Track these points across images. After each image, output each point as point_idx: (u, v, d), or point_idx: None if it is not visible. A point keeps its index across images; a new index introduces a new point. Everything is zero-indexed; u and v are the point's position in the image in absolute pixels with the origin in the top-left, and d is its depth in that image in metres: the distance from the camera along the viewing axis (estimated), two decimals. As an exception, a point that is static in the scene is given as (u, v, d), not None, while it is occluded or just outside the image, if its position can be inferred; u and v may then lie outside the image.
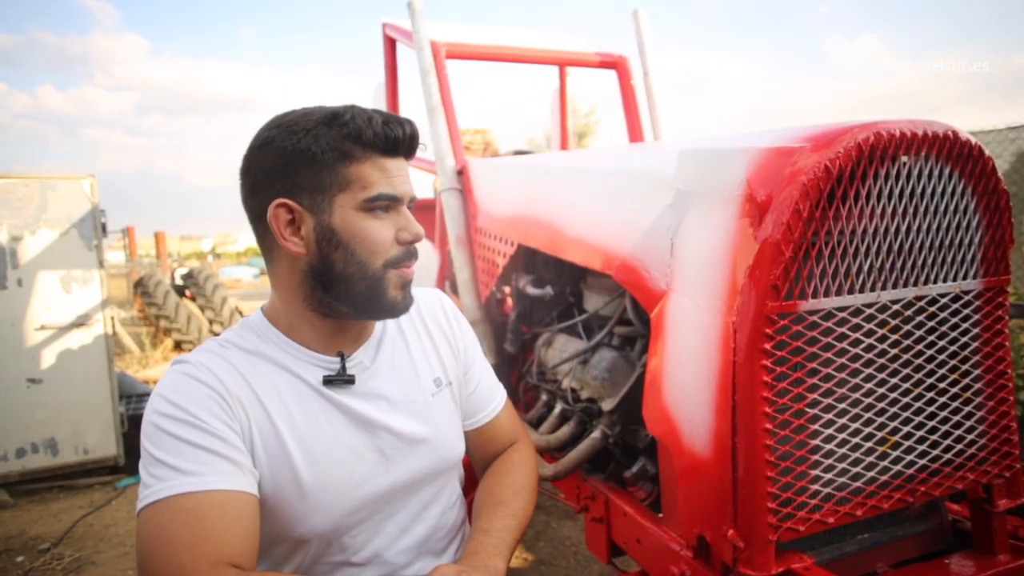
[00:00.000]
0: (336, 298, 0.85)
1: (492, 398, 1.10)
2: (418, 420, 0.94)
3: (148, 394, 4.32)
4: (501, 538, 0.91)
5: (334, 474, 0.85)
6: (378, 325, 0.97)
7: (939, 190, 1.06)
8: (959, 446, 1.13)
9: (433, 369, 0.99)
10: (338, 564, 0.89)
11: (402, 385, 0.94)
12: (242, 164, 0.87)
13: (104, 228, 3.87)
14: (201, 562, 0.70)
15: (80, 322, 3.78)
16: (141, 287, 8.42)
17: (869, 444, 1.07)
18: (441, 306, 1.06)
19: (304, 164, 0.81)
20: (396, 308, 0.88)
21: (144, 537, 0.74)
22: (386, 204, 0.84)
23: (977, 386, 1.15)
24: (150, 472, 0.77)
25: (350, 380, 0.89)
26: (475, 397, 1.07)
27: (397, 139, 0.83)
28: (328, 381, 0.88)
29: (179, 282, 9.87)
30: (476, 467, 1.13)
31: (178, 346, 8.00)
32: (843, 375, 1.04)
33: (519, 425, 1.16)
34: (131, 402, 4.12)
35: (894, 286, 1.05)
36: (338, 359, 0.89)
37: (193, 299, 9.24)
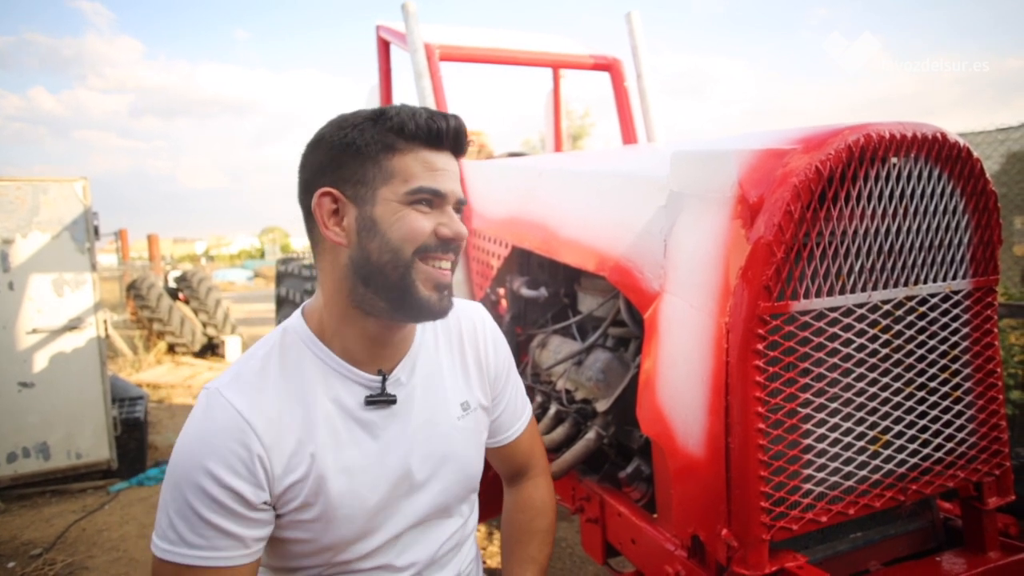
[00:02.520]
0: (375, 292, 0.84)
1: (517, 419, 1.11)
2: (443, 442, 0.95)
3: (141, 397, 4.29)
4: None
5: (361, 490, 0.87)
6: (416, 337, 0.96)
7: (928, 191, 1.07)
8: (950, 445, 1.14)
9: (461, 392, 0.99)
10: (349, 571, 0.90)
11: (432, 407, 0.95)
12: (299, 164, 0.88)
13: (96, 231, 3.85)
14: None
15: (72, 325, 3.76)
16: (134, 290, 8.38)
17: (861, 443, 1.08)
18: (482, 325, 1.05)
19: (349, 157, 0.82)
20: (430, 309, 0.85)
21: None
22: (428, 198, 0.83)
23: (967, 385, 1.16)
24: (164, 526, 0.80)
25: (392, 400, 0.89)
26: (500, 420, 1.09)
27: (440, 131, 0.82)
28: (371, 401, 0.88)
29: (172, 285, 9.83)
30: (497, 470, 1.18)
31: (171, 349, 7.96)
32: (835, 375, 1.05)
33: (538, 444, 1.17)
34: (124, 405, 4.09)
35: (885, 286, 1.06)
36: (378, 377, 0.89)
37: (186, 302, 9.20)
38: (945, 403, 1.14)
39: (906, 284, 1.08)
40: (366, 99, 3.65)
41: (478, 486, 1.04)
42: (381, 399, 0.88)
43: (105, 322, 3.89)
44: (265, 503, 0.81)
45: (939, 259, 1.11)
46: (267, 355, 0.88)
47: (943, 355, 1.13)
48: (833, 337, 1.04)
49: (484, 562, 2.72)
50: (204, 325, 8.58)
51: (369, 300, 0.85)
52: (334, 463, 0.85)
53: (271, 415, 0.82)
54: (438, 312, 0.86)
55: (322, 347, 0.88)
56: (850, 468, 1.07)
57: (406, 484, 0.91)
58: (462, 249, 0.88)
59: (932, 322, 1.11)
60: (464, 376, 1.00)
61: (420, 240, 0.82)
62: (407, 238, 0.82)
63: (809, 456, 1.04)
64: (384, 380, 0.89)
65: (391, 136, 0.82)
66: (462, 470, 0.97)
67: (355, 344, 0.88)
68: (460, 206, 0.87)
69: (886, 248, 1.05)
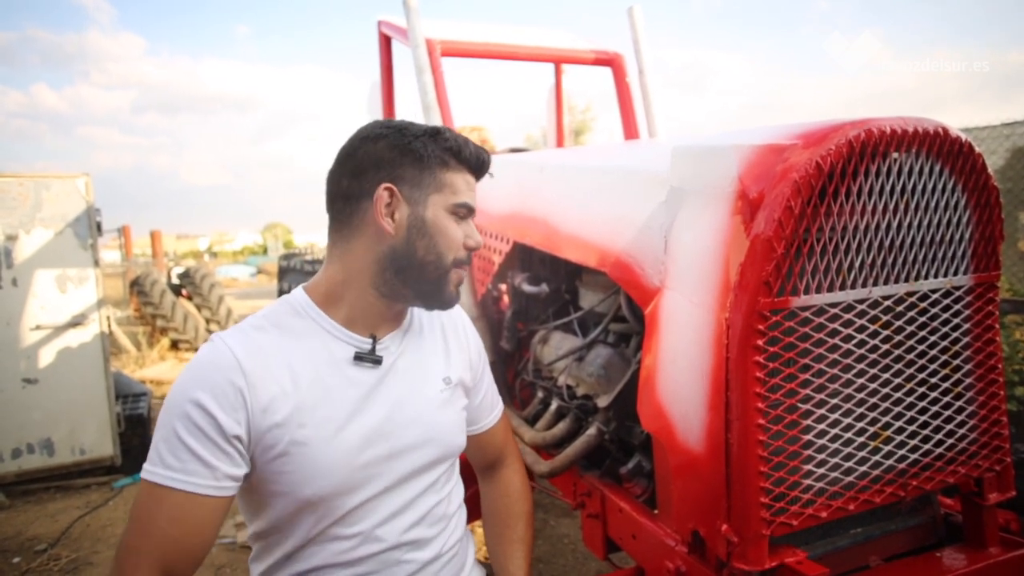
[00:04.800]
0: (404, 282, 0.96)
1: (491, 410, 1.22)
2: (426, 409, 1.02)
3: (145, 394, 4.31)
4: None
5: (341, 443, 0.92)
6: (406, 318, 1.07)
7: (930, 186, 1.07)
8: (950, 440, 1.14)
9: (443, 369, 1.08)
10: (333, 538, 0.95)
11: (417, 377, 1.04)
12: (344, 150, 0.98)
13: (99, 227, 3.86)
14: (138, 553, 0.84)
15: (76, 322, 3.77)
16: (137, 286, 8.40)
17: (861, 439, 1.08)
18: (461, 320, 1.18)
19: (410, 161, 0.95)
20: (450, 301, 1.01)
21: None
22: (464, 212, 0.99)
23: (968, 381, 1.16)
24: (151, 454, 0.87)
25: (378, 360, 0.98)
26: (479, 409, 1.19)
27: (484, 163, 1.01)
28: (359, 357, 0.97)
29: (175, 281, 9.86)
30: (471, 462, 1.27)
31: (175, 345, 7.99)
32: (835, 371, 1.05)
33: (510, 435, 1.28)
34: (127, 402, 4.11)
35: (885, 282, 1.06)
36: (368, 340, 0.99)
37: (190, 298, 9.22)
38: (946, 399, 1.14)
39: (907, 280, 1.08)
40: (368, 95, 3.64)
41: (458, 460, 1.12)
42: (368, 357, 0.97)
43: (108, 318, 3.90)
44: (237, 437, 0.87)
45: (940, 255, 1.10)
46: (266, 316, 0.97)
47: (944, 351, 1.13)
48: (833, 333, 1.04)
49: (487, 558, 2.73)
50: (207, 321, 8.61)
51: (394, 286, 0.97)
52: (316, 414, 0.91)
53: (260, 358, 0.91)
54: (451, 303, 1.02)
55: (320, 312, 0.97)
56: (850, 464, 1.07)
57: (386, 445, 0.97)
58: None
59: (933, 318, 1.11)
60: (445, 355, 1.10)
61: (457, 251, 0.98)
62: (449, 246, 0.97)
63: (809, 452, 1.04)
64: (374, 343, 0.99)
65: (448, 155, 0.97)
66: (443, 437, 1.04)
67: (357, 314, 0.98)
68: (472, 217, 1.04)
69: (887, 244, 1.05)
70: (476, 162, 1.00)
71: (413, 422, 1.00)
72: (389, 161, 0.95)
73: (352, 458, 0.93)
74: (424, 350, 1.07)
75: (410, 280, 0.96)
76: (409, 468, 0.99)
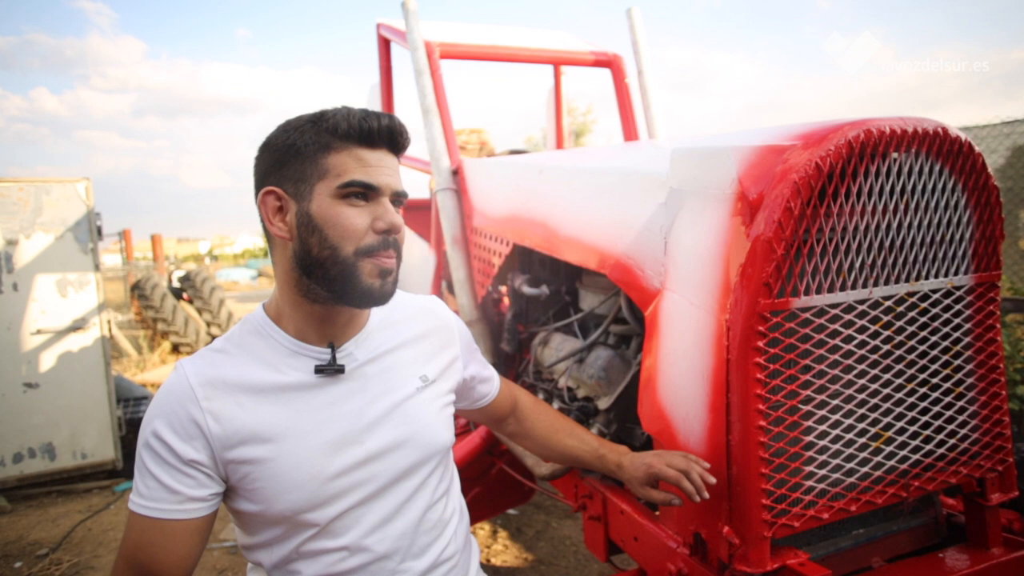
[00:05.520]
0: (316, 282, 0.89)
1: (492, 380, 1.21)
2: (401, 412, 0.98)
3: (146, 397, 4.31)
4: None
5: (308, 455, 0.90)
6: (372, 319, 1.01)
7: (930, 186, 1.07)
8: (952, 441, 1.14)
9: (420, 367, 1.03)
10: (319, 551, 0.93)
11: (389, 379, 0.99)
12: (253, 164, 0.95)
13: (100, 231, 3.87)
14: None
15: (77, 326, 3.77)
16: (138, 290, 8.40)
17: (863, 440, 1.08)
18: (445, 318, 1.11)
19: (291, 157, 0.88)
20: (372, 295, 0.90)
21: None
22: (361, 191, 0.88)
23: (969, 381, 1.15)
24: (135, 479, 0.91)
25: (340, 369, 0.94)
26: (479, 388, 1.19)
27: (371, 129, 0.87)
28: (320, 370, 0.93)
29: (176, 285, 9.86)
30: (488, 425, 1.31)
31: (175, 349, 7.99)
32: (836, 371, 1.04)
33: (513, 386, 1.29)
34: (129, 405, 4.11)
35: (886, 282, 1.06)
36: (328, 350, 0.94)
37: (190, 302, 9.23)
38: (947, 399, 1.14)
39: (907, 280, 1.08)
40: (367, 98, 3.65)
41: (447, 459, 1.07)
42: (329, 368, 0.93)
43: (109, 322, 3.91)
44: (196, 462, 0.87)
45: (941, 255, 1.10)
46: (229, 337, 0.96)
47: (945, 351, 1.13)
48: (834, 334, 1.03)
49: (488, 560, 2.73)
50: (208, 325, 8.61)
51: (313, 290, 0.90)
52: (279, 429, 0.90)
53: (218, 382, 0.90)
54: (380, 297, 0.91)
55: (276, 328, 0.94)
56: (852, 465, 1.07)
57: (360, 451, 0.93)
58: (402, 241, 0.94)
59: (934, 318, 1.11)
60: (423, 352, 1.05)
61: (359, 239, 0.87)
62: (344, 236, 0.87)
63: (810, 453, 1.04)
64: (333, 352, 0.94)
65: (327, 136, 0.87)
66: (422, 437, 0.99)
67: (306, 325, 0.94)
68: (400, 199, 0.92)
69: (887, 244, 1.05)
70: (361, 132, 0.87)
71: (386, 424, 0.96)
72: (275, 164, 0.89)
73: (321, 469, 0.90)
74: (397, 350, 1.01)
75: (318, 280, 0.89)
76: (391, 472, 0.96)
